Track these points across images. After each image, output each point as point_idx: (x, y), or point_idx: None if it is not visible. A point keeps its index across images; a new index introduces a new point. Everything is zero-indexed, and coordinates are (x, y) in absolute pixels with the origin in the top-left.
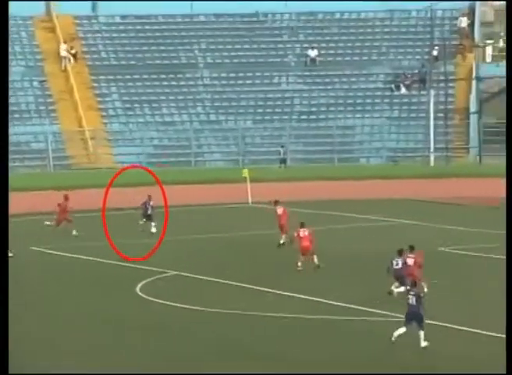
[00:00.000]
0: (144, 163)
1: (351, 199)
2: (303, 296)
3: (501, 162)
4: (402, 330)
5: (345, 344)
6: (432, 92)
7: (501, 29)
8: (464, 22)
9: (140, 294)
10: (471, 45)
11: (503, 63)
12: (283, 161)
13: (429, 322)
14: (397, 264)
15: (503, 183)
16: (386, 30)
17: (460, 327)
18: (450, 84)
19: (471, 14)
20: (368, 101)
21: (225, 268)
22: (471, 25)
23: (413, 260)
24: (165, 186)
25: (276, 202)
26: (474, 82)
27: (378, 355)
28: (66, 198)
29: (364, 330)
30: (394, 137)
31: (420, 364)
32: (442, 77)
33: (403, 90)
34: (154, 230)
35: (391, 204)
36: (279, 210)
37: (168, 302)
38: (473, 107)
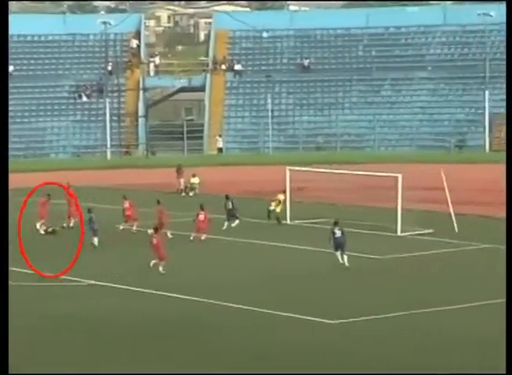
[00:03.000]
0: None
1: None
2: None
3: (164, 155)
4: (339, 254)
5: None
6: (108, 100)
7: (160, 49)
8: (133, 43)
9: None
10: (138, 62)
11: (164, 77)
12: None
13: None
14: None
15: (165, 171)
16: (70, 50)
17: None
18: (122, 94)
19: (137, 37)
20: (57, 107)
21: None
22: (138, 46)
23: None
24: None
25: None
26: (141, 92)
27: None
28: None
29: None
30: (78, 136)
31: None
32: (115, 88)
33: (85, 98)
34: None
35: (78, 191)
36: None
37: None
38: (141, 112)
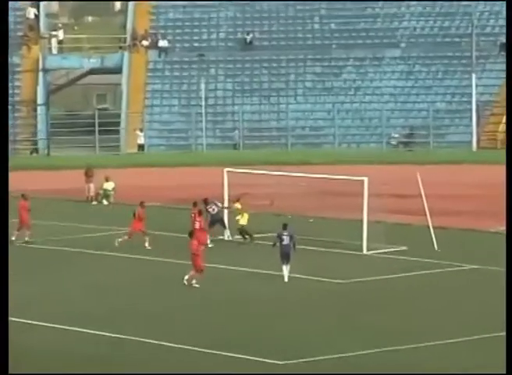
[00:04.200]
0: None
1: None
2: None
3: (70, 154)
4: (285, 267)
5: None
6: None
7: (64, 20)
8: (30, 12)
9: None
10: (37, 37)
11: (70, 55)
12: None
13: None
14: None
15: (71, 173)
16: None
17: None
18: (17, 76)
19: (35, 5)
20: None
21: None
22: (37, 16)
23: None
24: None
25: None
26: (40, 74)
27: None
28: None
29: None
30: None
31: None
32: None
33: None
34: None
35: None
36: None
37: None
38: (40, 99)
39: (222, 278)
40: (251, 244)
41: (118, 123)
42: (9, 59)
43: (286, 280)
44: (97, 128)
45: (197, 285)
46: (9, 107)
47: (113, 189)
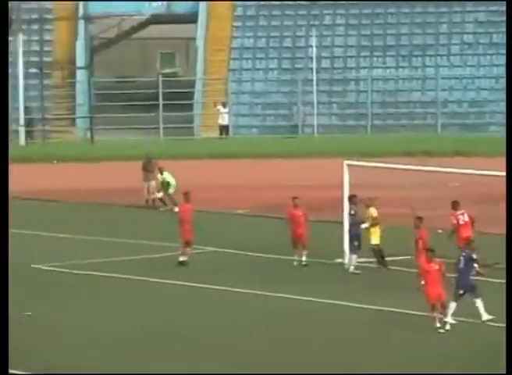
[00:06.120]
0: None
1: None
2: None
3: (121, 139)
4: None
5: None
6: (22, 37)
7: None
8: None
9: None
10: None
11: None
12: None
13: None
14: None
15: (122, 167)
16: None
17: None
18: (47, 27)
19: None
20: None
21: None
22: None
23: None
24: None
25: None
26: (81, 23)
27: None
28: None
29: None
30: None
31: None
32: (34, 16)
33: None
34: None
35: None
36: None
37: None
38: (80, 60)
39: (349, 320)
40: (383, 271)
41: (191, 95)
42: (38, 4)
43: (484, 318)
44: (161, 102)
45: None
46: (37, 71)
47: (169, 185)
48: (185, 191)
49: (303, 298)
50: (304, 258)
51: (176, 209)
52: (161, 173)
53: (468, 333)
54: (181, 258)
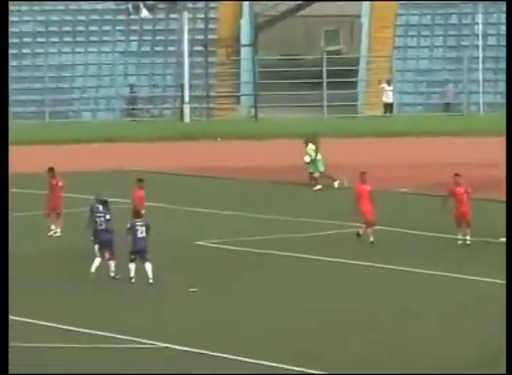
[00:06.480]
0: None
1: (65, 171)
2: None
3: (282, 115)
4: (132, 266)
5: None
6: (187, 15)
7: None
8: None
9: None
10: None
11: None
12: None
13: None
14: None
15: (287, 144)
16: None
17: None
18: (212, 4)
19: None
20: (94, 28)
21: None
22: None
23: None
24: None
25: None
26: (245, 2)
27: None
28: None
29: None
30: (133, 80)
31: None
32: None
33: (145, 13)
34: None
35: (119, 178)
36: None
37: None
38: (245, 37)
39: None
40: None
41: (355, 73)
42: None
43: None
44: (325, 80)
45: None
46: (201, 49)
47: (313, 160)
48: (362, 170)
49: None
50: (468, 237)
51: (336, 185)
52: (306, 144)
53: None
54: (371, 239)
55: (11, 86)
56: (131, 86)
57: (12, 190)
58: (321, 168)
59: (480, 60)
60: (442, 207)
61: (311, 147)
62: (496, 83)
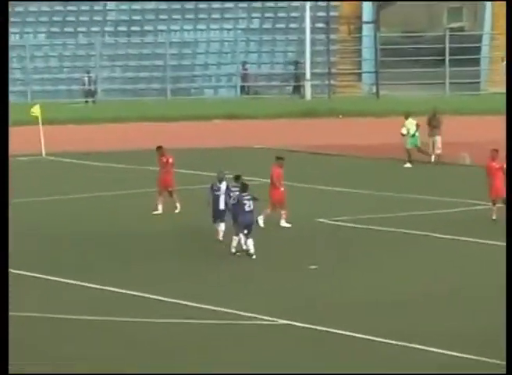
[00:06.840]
0: None
1: (182, 148)
2: None
3: (402, 93)
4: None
5: None
6: None
7: None
8: None
9: None
10: None
11: None
12: (90, 93)
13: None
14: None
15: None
16: None
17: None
18: None
19: None
20: (216, 6)
21: None
22: None
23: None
24: None
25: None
26: None
27: None
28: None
29: None
30: (254, 58)
31: None
32: None
33: None
34: None
35: (246, 155)
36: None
37: None
38: (367, 14)
39: None
40: None
41: (478, 50)
42: None
43: None
44: (447, 57)
45: None
46: (323, 26)
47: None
48: (494, 148)
49: None
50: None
51: (433, 159)
52: (406, 118)
53: None
54: (494, 217)
55: (133, 62)
56: (243, 63)
57: (142, 167)
58: (418, 143)
59: None
60: None
61: (411, 121)
62: None
